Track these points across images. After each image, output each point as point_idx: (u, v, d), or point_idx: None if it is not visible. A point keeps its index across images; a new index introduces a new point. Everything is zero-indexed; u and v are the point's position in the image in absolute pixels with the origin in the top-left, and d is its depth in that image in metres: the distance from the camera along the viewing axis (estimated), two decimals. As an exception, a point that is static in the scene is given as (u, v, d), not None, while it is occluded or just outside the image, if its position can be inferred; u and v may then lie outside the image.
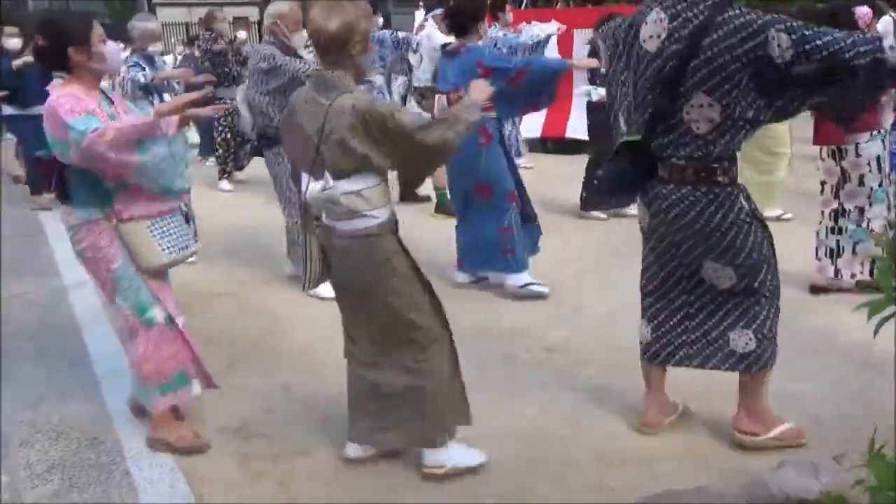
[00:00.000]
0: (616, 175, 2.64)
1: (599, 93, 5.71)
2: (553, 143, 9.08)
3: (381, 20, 10.26)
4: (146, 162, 2.54)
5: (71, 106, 2.47)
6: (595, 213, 6.01)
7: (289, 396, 3.28)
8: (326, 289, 4.38)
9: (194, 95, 2.84)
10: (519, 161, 8.60)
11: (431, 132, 2.32)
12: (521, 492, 2.54)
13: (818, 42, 2.18)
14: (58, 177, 2.64)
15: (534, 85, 4.15)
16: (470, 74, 4.00)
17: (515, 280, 4.33)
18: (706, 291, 2.63)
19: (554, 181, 7.02)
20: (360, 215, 2.38)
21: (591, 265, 4.92)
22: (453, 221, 5.57)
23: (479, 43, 4.27)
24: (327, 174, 2.35)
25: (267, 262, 5.12)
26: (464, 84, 4.22)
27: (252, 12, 25.69)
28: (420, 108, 5.98)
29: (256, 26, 23.25)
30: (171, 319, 2.79)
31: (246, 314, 4.31)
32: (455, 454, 2.61)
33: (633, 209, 5.81)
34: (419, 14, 9.90)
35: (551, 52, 7.58)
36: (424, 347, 2.51)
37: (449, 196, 5.46)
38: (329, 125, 2.29)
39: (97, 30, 2.63)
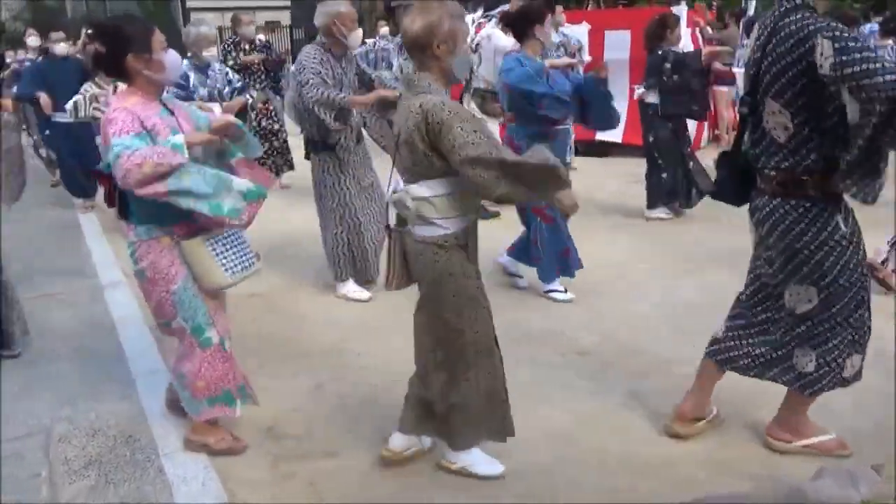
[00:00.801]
0: (721, 183, 2.68)
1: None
2: (582, 146, 9.05)
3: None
4: (178, 190, 2.43)
5: (122, 125, 2.42)
6: (657, 213, 5.96)
7: (318, 397, 3.30)
8: (355, 289, 4.48)
9: (225, 121, 2.78)
10: None
11: (476, 167, 2.16)
12: (549, 495, 2.54)
13: (857, 56, 2.06)
14: (118, 192, 2.60)
15: (554, 108, 4.05)
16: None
17: (542, 283, 4.38)
18: (788, 314, 2.55)
19: (587, 183, 6.99)
20: (429, 222, 2.34)
21: (623, 269, 4.88)
22: (489, 223, 5.64)
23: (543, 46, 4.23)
24: (398, 177, 2.35)
25: (297, 264, 5.17)
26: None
27: (284, 16, 26.01)
28: (482, 111, 5.90)
29: (288, 30, 23.51)
30: (223, 341, 2.79)
31: (276, 315, 4.35)
32: (475, 460, 2.62)
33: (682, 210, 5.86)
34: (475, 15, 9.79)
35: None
36: (470, 366, 2.48)
37: None
38: (404, 125, 2.29)
39: (158, 36, 2.55)
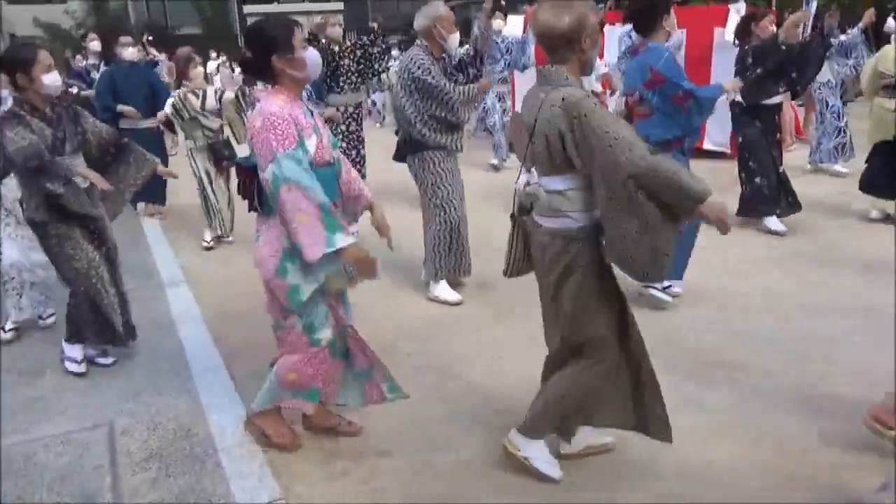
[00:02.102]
0: (873, 174, 2.61)
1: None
2: None
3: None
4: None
5: (284, 134, 2.44)
6: (772, 226, 5.65)
7: (371, 396, 3.33)
8: (447, 291, 4.49)
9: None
10: None
11: (634, 152, 2.12)
12: (602, 501, 2.51)
13: None
14: (256, 186, 2.62)
15: (695, 113, 3.90)
16: (641, 77, 3.90)
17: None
18: None
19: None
20: (561, 214, 2.35)
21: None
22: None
23: (669, 41, 4.12)
24: (533, 169, 2.36)
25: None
26: (635, 86, 4.07)
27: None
28: None
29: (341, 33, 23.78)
30: (333, 343, 2.78)
31: (330, 315, 4.41)
32: (538, 455, 2.62)
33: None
34: (514, 18, 9.71)
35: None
36: (582, 358, 2.49)
37: None
38: (540, 118, 2.29)
39: (299, 35, 2.58)
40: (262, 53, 2.53)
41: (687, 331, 3.88)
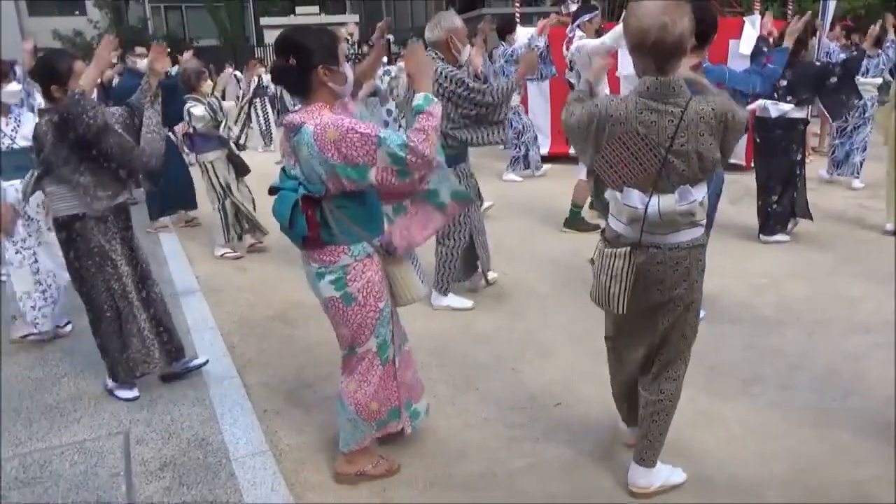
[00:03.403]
0: None
1: (780, 108, 5.34)
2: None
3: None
4: (441, 163, 2.39)
5: (363, 125, 2.27)
6: (777, 238, 5.66)
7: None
8: (457, 300, 4.51)
9: None
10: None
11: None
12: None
13: None
14: (321, 215, 2.40)
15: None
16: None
17: None
18: None
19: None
20: (696, 224, 2.29)
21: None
22: (583, 237, 5.57)
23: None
24: (687, 188, 2.21)
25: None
26: None
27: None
28: None
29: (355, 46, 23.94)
30: (395, 356, 2.69)
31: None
32: (662, 473, 2.60)
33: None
34: (524, 31, 9.68)
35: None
36: (682, 364, 2.49)
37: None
38: (685, 133, 2.15)
39: (343, 47, 2.45)
40: (305, 63, 2.33)
41: (702, 344, 3.84)
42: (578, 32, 5.89)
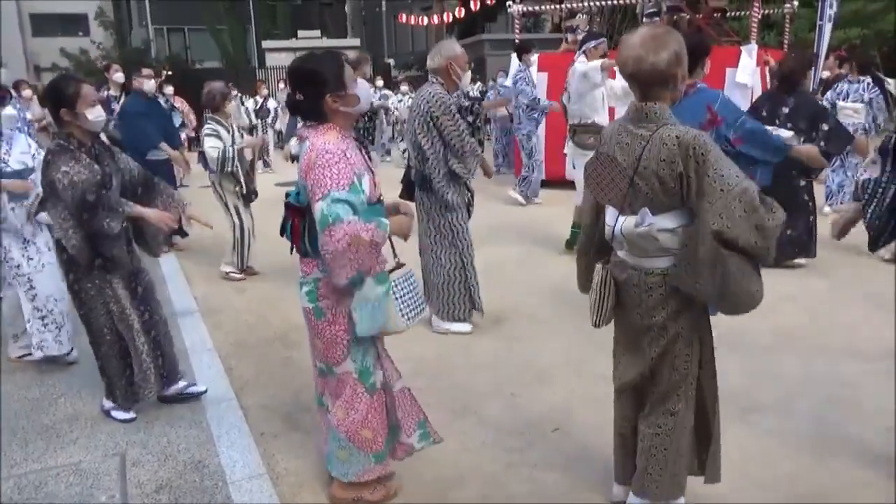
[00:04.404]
0: None
1: (780, 134, 5.35)
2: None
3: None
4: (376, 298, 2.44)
5: (339, 171, 2.33)
6: (797, 261, 5.70)
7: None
8: (458, 324, 4.51)
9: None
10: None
11: (759, 211, 2.08)
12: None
13: None
14: (303, 227, 2.51)
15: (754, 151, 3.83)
16: (697, 118, 3.76)
17: None
18: None
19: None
20: (670, 253, 2.28)
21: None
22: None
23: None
24: (646, 210, 2.25)
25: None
26: (691, 125, 4.04)
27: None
28: (578, 146, 5.93)
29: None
30: (385, 386, 2.68)
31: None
32: None
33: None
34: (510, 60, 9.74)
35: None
36: (680, 399, 2.42)
37: None
38: (647, 157, 2.21)
39: (349, 70, 2.50)
40: (314, 94, 2.43)
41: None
42: (581, 58, 5.99)
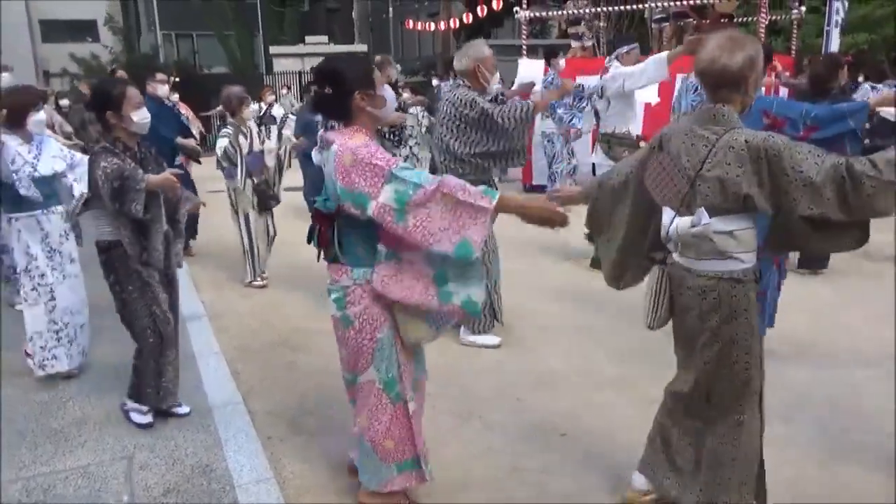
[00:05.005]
0: None
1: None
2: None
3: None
4: (474, 264, 2.32)
5: (384, 154, 2.29)
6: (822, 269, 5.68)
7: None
8: (485, 337, 4.40)
9: None
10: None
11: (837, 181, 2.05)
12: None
13: None
14: (332, 233, 2.46)
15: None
16: (756, 125, 3.59)
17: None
18: None
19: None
20: (728, 256, 2.27)
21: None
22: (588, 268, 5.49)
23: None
24: (702, 211, 2.23)
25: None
26: None
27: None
28: (609, 157, 5.71)
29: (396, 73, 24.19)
30: (411, 398, 2.61)
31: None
32: None
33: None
34: (525, 62, 9.69)
35: (652, 94, 7.33)
36: (745, 410, 2.38)
37: None
38: (713, 160, 2.21)
39: (377, 72, 2.49)
40: (343, 90, 2.39)
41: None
42: (615, 63, 5.84)
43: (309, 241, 2.56)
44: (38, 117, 3.91)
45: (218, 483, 2.97)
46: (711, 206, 2.23)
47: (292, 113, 10.60)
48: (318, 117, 8.14)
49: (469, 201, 2.23)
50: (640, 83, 5.60)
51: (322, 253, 2.53)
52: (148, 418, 3.47)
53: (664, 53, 5.36)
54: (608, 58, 6.17)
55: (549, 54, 8.60)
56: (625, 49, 5.92)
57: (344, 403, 3.59)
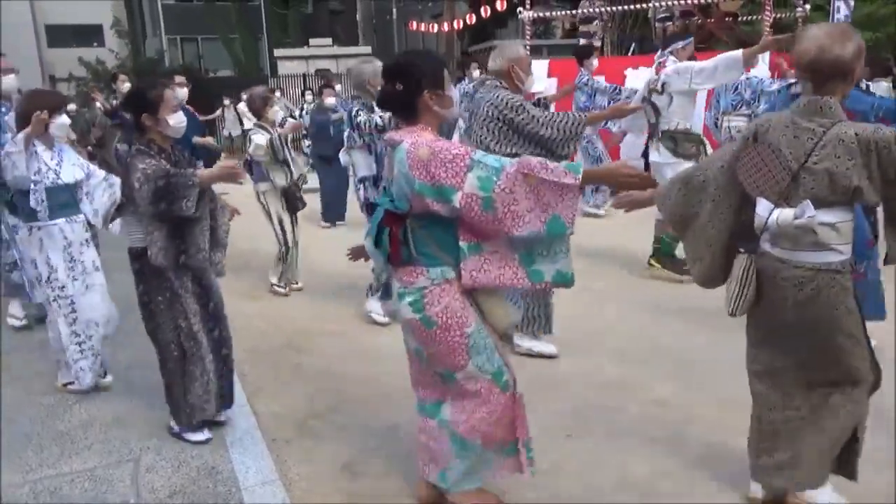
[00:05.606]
0: None
1: None
2: None
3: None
4: (548, 224, 2.24)
5: (459, 145, 2.26)
6: None
7: (395, 436, 3.32)
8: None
9: None
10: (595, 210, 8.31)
11: None
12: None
13: None
14: (403, 233, 2.39)
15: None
16: None
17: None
18: None
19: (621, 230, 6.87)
20: (828, 248, 2.27)
21: (700, 317, 4.75)
22: (715, 290, 5.41)
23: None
24: (807, 203, 2.22)
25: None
26: None
27: (332, 64, 26.62)
28: (675, 154, 5.50)
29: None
30: (515, 383, 2.57)
31: (354, 353, 4.43)
32: (825, 496, 2.54)
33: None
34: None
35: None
36: (853, 396, 2.40)
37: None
38: (820, 153, 2.21)
39: (447, 73, 2.46)
40: (414, 87, 2.36)
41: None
42: (671, 58, 5.64)
43: (377, 245, 2.44)
44: (62, 121, 3.75)
45: (224, 485, 2.97)
46: (816, 199, 2.22)
47: (291, 116, 10.60)
48: (332, 119, 8.24)
49: (553, 179, 2.19)
50: (710, 83, 5.45)
51: (389, 256, 2.43)
52: (203, 434, 3.34)
53: (738, 52, 5.10)
54: (659, 53, 5.90)
55: (583, 54, 8.24)
56: (680, 44, 5.71)
57: (343, 408, 3.62)
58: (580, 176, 2.20)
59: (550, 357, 4.19)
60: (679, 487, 2.82)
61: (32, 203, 3.66)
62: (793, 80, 6.28)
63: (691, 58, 5.73)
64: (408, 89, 2.36)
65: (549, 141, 3.83)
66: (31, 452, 3.30)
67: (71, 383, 3.91)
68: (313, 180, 7.83)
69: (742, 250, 2.48)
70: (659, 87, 5.57)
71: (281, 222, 5.66)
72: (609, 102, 7.63)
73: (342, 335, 4.74)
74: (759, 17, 10.46)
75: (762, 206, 2.37)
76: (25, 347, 4.56)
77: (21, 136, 3.60)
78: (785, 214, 2.28)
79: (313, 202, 7.53)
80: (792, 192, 2.27)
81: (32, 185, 3.65)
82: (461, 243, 2.33)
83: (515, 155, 3.77)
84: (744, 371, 3.57)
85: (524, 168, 2.19)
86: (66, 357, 3.82)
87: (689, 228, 2.56)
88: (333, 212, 8.44)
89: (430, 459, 2.64)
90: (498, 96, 3.90)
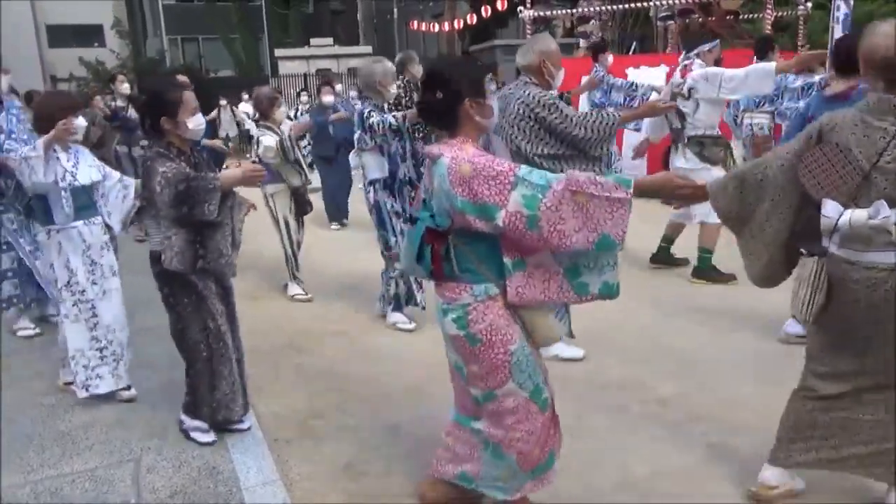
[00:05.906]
0: None
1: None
2: None
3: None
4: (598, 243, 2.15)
5: (502, 161, 2.20)
6: None
7: (396, 436, 3.33)
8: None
9: None
10: None
11: None
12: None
13: None
14: (445, 250, 2.32)
15: None
16: None
17: None
18: None
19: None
20: (894, 246, 2.23)
21: (702, 316, 4.75)
22: (717, 289, 5.26)
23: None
24: (882, 203, 2.18)
25: (374, 302, 5.25)
26: None
27: (333, 64, 26.69)
28: (702, 159, 5.36)
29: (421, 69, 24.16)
30: (552, 400, 2.53)
31: (356, 353, 4.43)
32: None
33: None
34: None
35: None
36: None
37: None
38: (893, 152, 2.16)
39: (488, 80, 2.38)
40: (454, 96, 2.28)
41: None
42: (698, 61, 5.50)
43: (418, 261, 2.37)
44: (78, 123, 3.67)
45: (225, 485, 2.96)
46: (889, 199, 2.19)
47: (288, 117, 10.58)
48: (330, 118, 8.21)
49: (602, 195, 2.11)
50: (739, 93, 5.36)
51: (431, 272, 2.37)
52: (210, 436, 3.32)
53: (771, 64, 5.04)
54: (683, 55, 5.79)
55: (597, 50, 8.13)
56: (707, 47, 5.58)
57: (345, 407, 3.62)
58: (632, 190, 2.14)
59: (577, 360, 4.09)
60: (680, 487, 2.81)
61: (66, 209, 3.61)
62: (819, 77, 6.28)
63: (718, 61, 5.62)
64: (449, 98, 2.29)
65: (583, 141, 3.71)
66: (32, 453, 3.30)
67: (72, 382, 3.87)
68: (314, 181, 7.80)
69: (804, 252, 2.43)
70: (685, 91, 5.41)
71: (287, 225, 5.60)
72: (625, 99, 7.50)
73: (343, 335, 4.74)
74: (760, 15, 10.45)
75: (829, 208, 2.28)
76: (26, 348, 4.56)
77: (41, 141, 3.56)
78: (858, 215, 2.22)
79: (316, 203, 7.50)
80: (862, 193, 2.23)
81: (63, 192, 3.59)
82: (505, 260, 2.26)
83: (548, 155, 3.79)
84: (745, 371, 3.59)
85: (572, 185, 2.11)
86: (77, 367, 3.72)
87: (746, 227, 2.48)
88: (337, 212, 8.45)
89: (451, 459, 2.60)
90: (529, 94, 3.74)
